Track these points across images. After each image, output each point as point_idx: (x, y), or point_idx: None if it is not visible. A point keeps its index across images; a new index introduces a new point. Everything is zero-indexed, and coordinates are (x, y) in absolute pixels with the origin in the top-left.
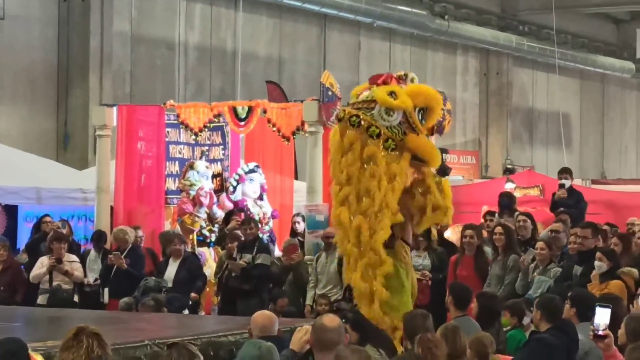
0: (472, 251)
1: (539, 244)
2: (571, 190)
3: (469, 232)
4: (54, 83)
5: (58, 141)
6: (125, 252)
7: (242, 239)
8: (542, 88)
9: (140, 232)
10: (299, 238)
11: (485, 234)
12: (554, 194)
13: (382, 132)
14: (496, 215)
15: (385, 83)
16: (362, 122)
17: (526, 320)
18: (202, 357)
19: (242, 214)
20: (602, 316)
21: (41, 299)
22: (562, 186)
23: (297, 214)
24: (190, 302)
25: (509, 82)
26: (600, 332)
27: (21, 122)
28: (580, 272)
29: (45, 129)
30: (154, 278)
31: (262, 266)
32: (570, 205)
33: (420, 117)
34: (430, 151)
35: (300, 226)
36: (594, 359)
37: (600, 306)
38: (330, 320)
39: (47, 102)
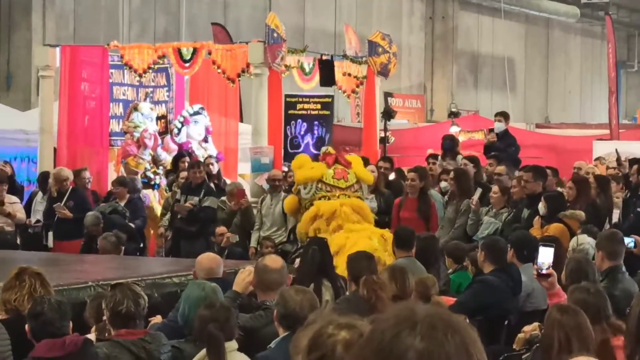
0: (415, 194)
1: (494, 188)
2: (505, 134)
3: (411, 174)
4: None
5: (0, 82)
6: (67, 195)
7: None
8: (487, 32)
9: (87, 174)
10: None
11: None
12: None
13: None
14: (439, 158)
15: (337, 160)
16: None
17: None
18: (146, 298)
19: (196, 157)
20: (546, 255)
21: None
22: (491, 130)
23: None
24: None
25: (454, 26)
26: (544, 271)
27: None
28: (527, 215)
29: None
30: (122, 204)
31: (209, 209)
32: (500, 149)
33: None
34: None
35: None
36: (538, 300)
37: (544, 245)
38: (273, 261)
39: None
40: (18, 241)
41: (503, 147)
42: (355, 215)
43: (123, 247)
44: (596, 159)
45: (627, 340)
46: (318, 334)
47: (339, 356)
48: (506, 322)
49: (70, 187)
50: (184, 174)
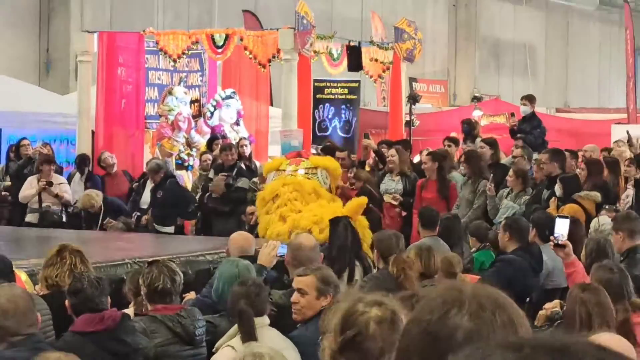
0: (434, 175)
1: (509, 172)
2: (532, 116)
3: (424, 157)
4: (36, 10)
5: (40, 67)
6: (102, 210)
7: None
8: (509, 19)
9: (106, 154)
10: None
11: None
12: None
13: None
14: (460, 142)
15: (300, 156)
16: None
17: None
18: (181, 275)
19: (229, 139)
20: (562, 226)
21: (30, 217)
22: (512, 115)
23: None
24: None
25: (477, 14)
26: (560, 242)
27: (4, 48)
28: (547, 196)
29: (28, 54)
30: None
31: (241, 189)
32: (526, 131)
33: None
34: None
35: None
36: (558, 278)
37: (560, 217)
38: (307, 239)
39: (29, 29)
40: (64, 219)
41: (529, 129)
42: (295, 194)
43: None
44: (614, 142)
45: None
46: (349, 313)
47: (373, 333)
48: (528, 300)
49: (102, 206)
50: (205, 156)
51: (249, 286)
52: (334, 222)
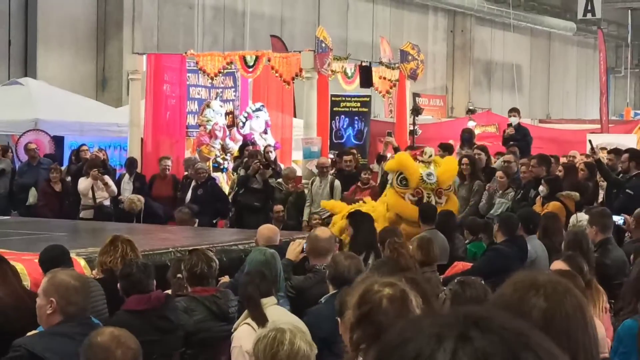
0: None
1: (498, 173)
2: (519, 127)
3: None
4: (94, 35)
5: (97, 83)
6: (142, 215)
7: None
8: (499, 43)
9: (168, 162)
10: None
11: None
12: (504, 132)
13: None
14: (458, 147)
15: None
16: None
17: None
18: (217, 261)
19: (258, 146)
20: None
21: (84, 214)
22: (509, 125)
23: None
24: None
25: (471, 38)
26: None
27: (67, 68)
28: (533, 195)
29: (87, 73)
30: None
31: (271, 187)
32: (518, 139)
33: (398, 181)
34: (401, 206)
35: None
36: (540, 266)
37: None
38: (323, 232)
39: (88, 51)
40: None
41: (520, 137)
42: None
43: (197, 220)
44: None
45: (626, 292)
46: (366, 291)
47: (385, 308)
48: None
49: (141, 209)
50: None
51: (252, 275)
52: (358, 219)
